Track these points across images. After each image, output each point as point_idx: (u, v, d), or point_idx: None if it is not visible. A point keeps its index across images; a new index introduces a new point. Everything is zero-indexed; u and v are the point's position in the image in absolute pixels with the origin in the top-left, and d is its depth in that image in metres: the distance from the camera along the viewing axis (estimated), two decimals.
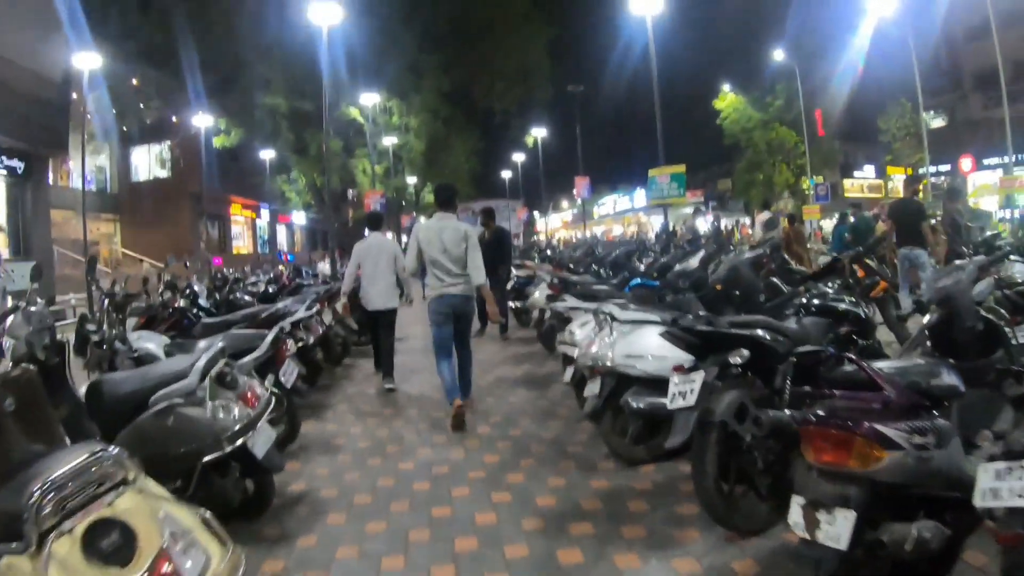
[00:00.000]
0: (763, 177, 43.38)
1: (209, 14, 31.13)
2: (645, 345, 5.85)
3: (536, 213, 74.15)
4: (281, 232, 58.56)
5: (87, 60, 24.15)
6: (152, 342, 6.83)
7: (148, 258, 37.26)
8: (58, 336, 4.70)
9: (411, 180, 42.65)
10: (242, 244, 50.84)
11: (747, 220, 46.46)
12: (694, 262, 8.38)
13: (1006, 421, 3.50)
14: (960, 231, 11.95)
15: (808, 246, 18.58)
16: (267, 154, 40.53)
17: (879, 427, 3.13)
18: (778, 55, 39.43)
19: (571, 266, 14.95)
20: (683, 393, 4.63)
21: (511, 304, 13.28)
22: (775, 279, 7.22)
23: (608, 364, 5.84)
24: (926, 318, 6.05)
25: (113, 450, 2.97)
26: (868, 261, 9.27)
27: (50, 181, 24.61)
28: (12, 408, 3.15)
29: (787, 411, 4.25)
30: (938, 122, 40.16)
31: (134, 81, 36.38)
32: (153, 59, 32.57)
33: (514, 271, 13.74)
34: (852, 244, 13.51)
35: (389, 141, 38.02)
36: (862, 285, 7.17)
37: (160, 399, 4.47)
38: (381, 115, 36.22)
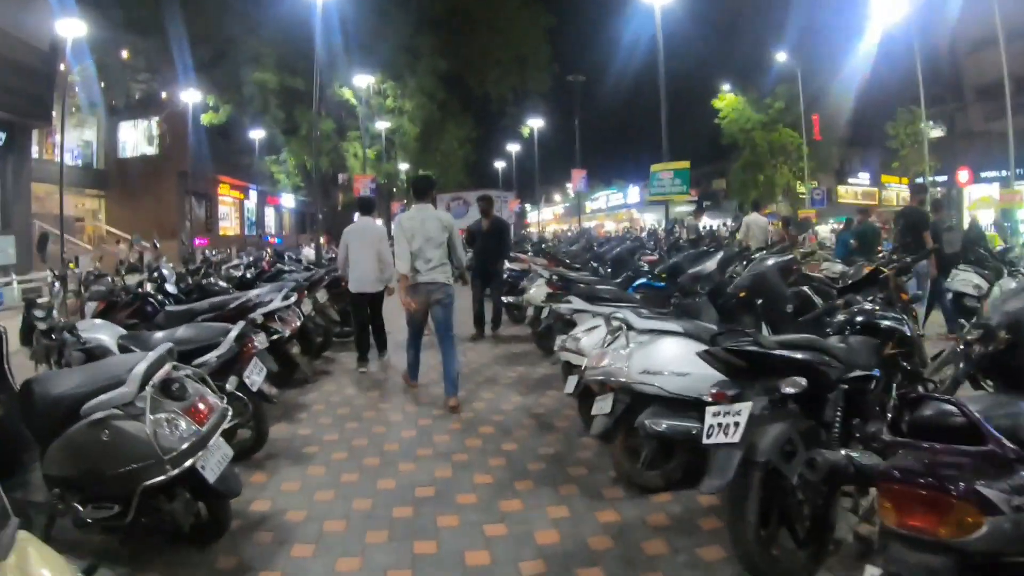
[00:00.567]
0: (763, 178, 42.78)
1: None
2: (665, 359, 5.13)
3: (527, 205, 73.43)
4: (269, 214, 57.46)
5: (72, 28, 23.04)
6: (105, 332, 6.04)
7: (131, 235, 36.23)
8: None
9: (403, 166, 41.87)
10: (229, 225, 49.61)
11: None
12: (711, 265, 7.65)
13: None
14: (943, 241, 11.50)
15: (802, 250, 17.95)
16: (257, 134, 39.66)
17: (982, 489, 2.49)
18: (780, 57, 38.92)
19: (567, 261, 14.22)
20: (725, 426, 3.87)
21: (503, 299, 12.49)
22: (806, 289, 6.45)
23: (623, 380, 5.10)
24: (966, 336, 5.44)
25: None
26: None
27: (35, 154, 23.49)
28: None
29: (843, 451, 3.74)
30: (937, 132, 39.60)
31: (123, 54, 35.68)
32: (141, 30, 31.61)
33: (507, 264, 13.00)
34: (858, 251, 13.11)
35: (382, 125, 37.18)
36: (905, 299, 6.43)
37: (94, 408, 3.72)
38: (375, 97, 35.39)
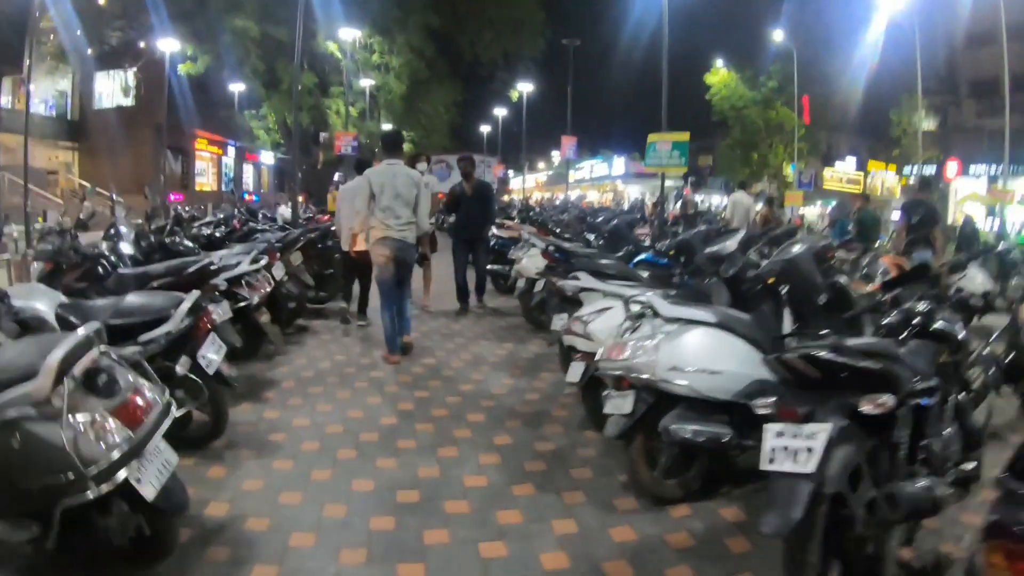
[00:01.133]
0: (757, 156, 42.05)
1: None
2: (697, 354, 4.38)
3: (510, 172, 72.41)
4: (248, 171, 55.89)
5: None
6: (42, 300, 5.18)
7: (106, 191, 34.99)
8: None
9: (387, 126, 40.73)
10: (206, 181, 48.20)
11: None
12: (731, 245, 6.88)
13: None
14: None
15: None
16: (237, 87, 38.54)
17: None
18: (777, 36, 38.12)
19: (557, 231, 13.46)
20: (794, 452, 3.10)
21: (489, 267, 11.73)
22: (842, 280, 5.66)
23: (647, 376, 4.35)
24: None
25: None
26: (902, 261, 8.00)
27: (7, 104, 22.44)
28: None
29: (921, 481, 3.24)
30: (928, 125, 39.06)
31: (100, 1, 34.32)
32: None
33: (494, 230, 12.24)
34: (858, 238, 12.51)
35: (367, 82, 36.06)
36: (958, 297, 5.68)
37: (2, 407, 2.94)
38: (360, 52, 34.21)
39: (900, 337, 4.23)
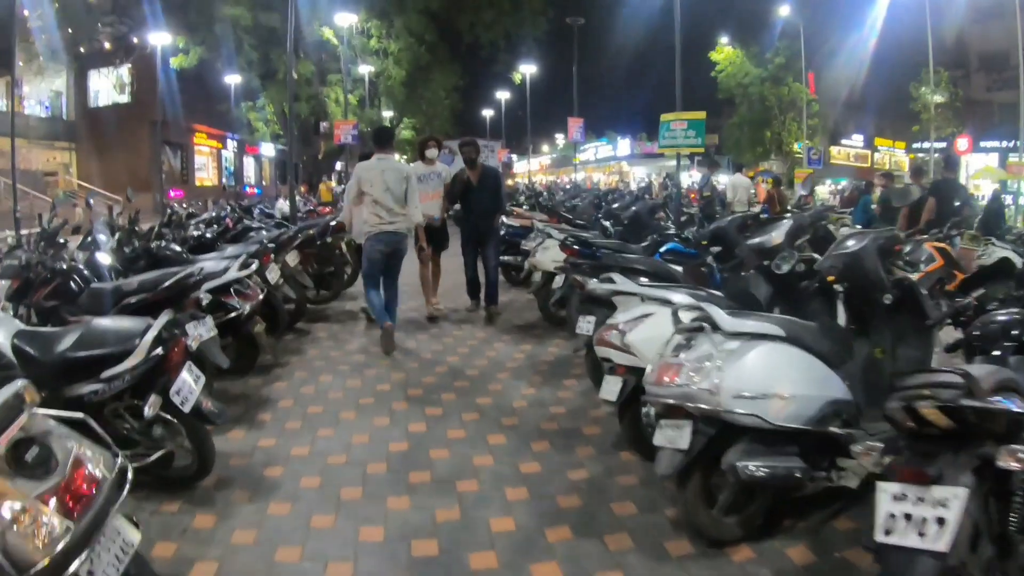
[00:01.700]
0: (771, 135, 41.09)
1: None
2: (767, 377, 3.67)
3: (514, 156, 71.55)
4: (249, 164, 55.85)
5: None
6: None
7: (105, 191, 34.56)
8: None
9: (387, 114, 39.96)
10: (206, 176, 48.22)
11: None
12: (777, 236, 6.14)
13: None
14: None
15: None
16: (233, 79, 37.55)
17: None
18: (783, 12, 37.20)
19: (570, 217, 12.71)
20: (920, 522, 2.40)
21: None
22: (909, 274, 4.86)
23: (710, 407, 3.64)
24: None
25: None
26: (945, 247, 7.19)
27: (9, 105, 22.03)
28: None
29: None
30: (938, 98, 38.25)
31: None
32: None
33: (504, 219, 11.51)
34: (882, 218, 12.05)
35: (366, 69, 35.23)
36: None
37: None
38: (357, 37, 33.34)
39: (996, 353, 3.53)
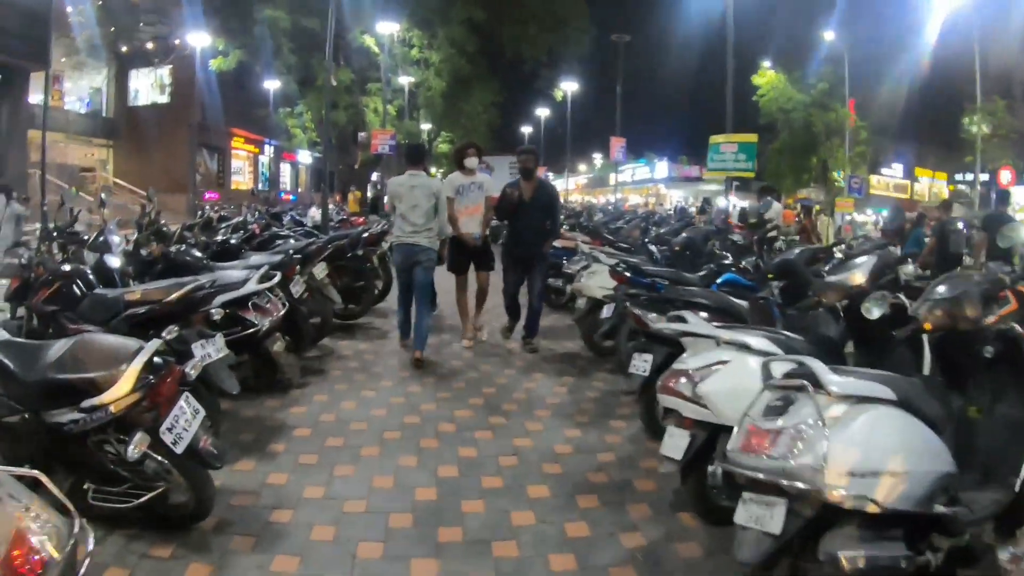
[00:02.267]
0: (816, 161, 40.03)
1: None
2: (881, 450, 2.97)
3: (550, 174, 71.00)
4: (285, 170, 55.89)
5: None
6: None
7: (141, 189, 34.39)
8: None
9: (425, 127, 39.49)
10: (242, 180, 47.98)
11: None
12: (859, 275, 5.43)
13: None
14: (949, 241, 11.54)
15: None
16: (272, 84, 37.28)
17: None
18: (828, 36, 36.37)
19: (611, 239, 12.03)
20: None
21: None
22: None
23: (812, 486, 2.94)
24: None
25: None
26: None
27: (42, 101, 22.00)
28: None
29: None
30: (985, 129, 37.34)
31: None
32: None
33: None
34: (938, 254, 11.28)
35: (406, 79, 34.72)
36: None
37: None
38: (399, 46, 32.87)
39: None
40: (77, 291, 5.60)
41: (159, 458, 3.55)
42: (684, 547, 4.06)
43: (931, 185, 46.75)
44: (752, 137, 15.96)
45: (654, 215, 24.50)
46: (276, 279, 6.45)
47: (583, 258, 9.05)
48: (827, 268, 6.85)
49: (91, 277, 5.80)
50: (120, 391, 3.37)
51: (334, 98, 23.24)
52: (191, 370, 3.82)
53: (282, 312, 6.31)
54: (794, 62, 39.65)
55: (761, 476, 3.07)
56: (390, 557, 3.86)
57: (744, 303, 6.11)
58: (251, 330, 5.88)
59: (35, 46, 21.70)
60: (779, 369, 3.50)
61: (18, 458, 3.48)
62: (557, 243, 10.55)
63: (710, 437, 4.12)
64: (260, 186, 48.40)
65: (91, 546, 2.20)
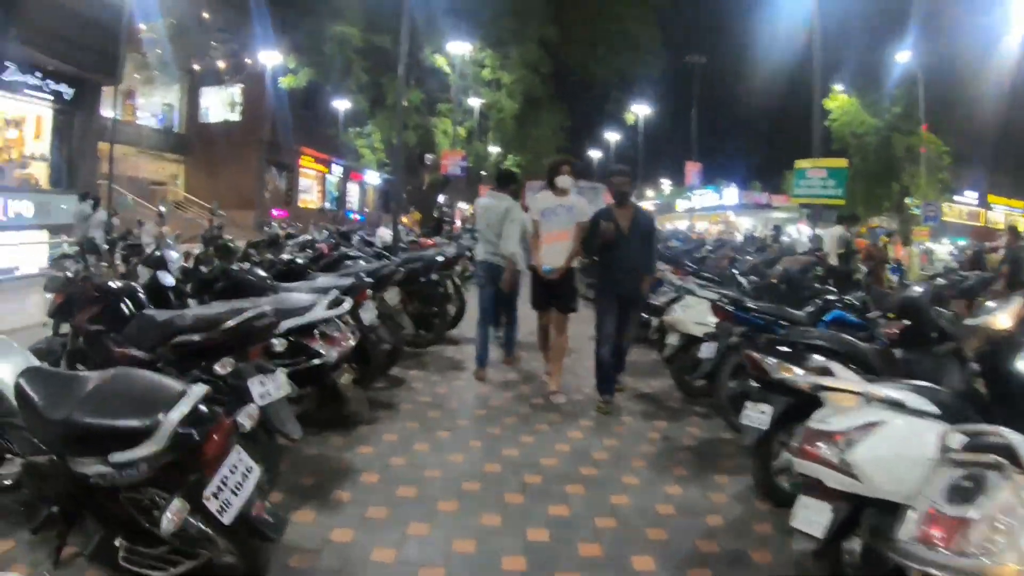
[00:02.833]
0: (898, 187, 38.56)
1: None
2: None
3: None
4: (353, 190, 56.25)
5: None
6: (4, 360, 3.40)
7: (209, 205, 34.81)
8: None
9: (494, 149, 39.02)
10: (311, 198, 48.60)
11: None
12: (1003, 318, 4.64)
13: None
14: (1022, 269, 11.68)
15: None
16: (341, 104, 37.57)
17: None
18: (901, 57, 35.11)
19: (692, 266, 11.29)
20: None
21: None
22: None
23: None
24: None
25: None
26: None
27: (115, 114, 22.33)
28: None
29: None
30: None
31: (204, 15, 34.60)
32: None
33: None
34: (1010, 282, 10.96)
35: (476, 101, 34.23)
36: None
37: None
38: (470, 66, 32.44)
39: None
40: (125, 311, 5.05)
41: (201, 527, 2.94)
42: None
43: (1008, 214, 44.94)
44: (842, 162, 15.15)
45: (723, 244, 23.61)
46: (347, 305, 5.88)
47: (672, 289, 8.31)
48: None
49: (141, 295, 5.24)
50: (154, 447, 2.78)
51: (404, 118, 22.75)
52: (245, 419, 3.19)
53: (352, 342, 5.73)
54: (867, 85, 38.39)
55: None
56: None
57: (865, 345, 5.37)
58: (317, 361, 5.31)
59: (106, 61, 21.82)
60: (955, 441, 2.78)
61: (45, 499, 3.15)
62: None
63: (854, 510, 3.42)
64: (328, 205, 48.76)
65: None
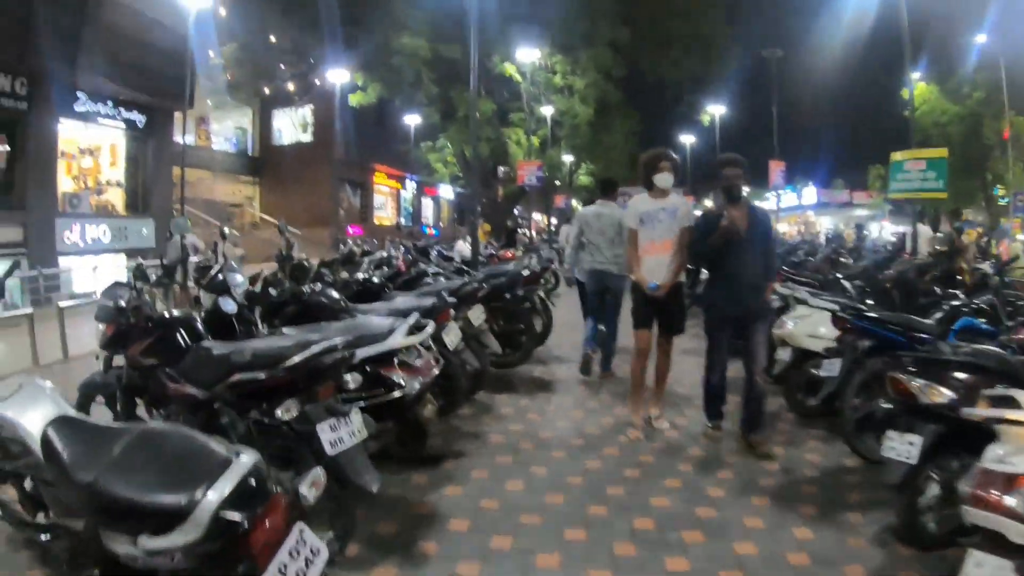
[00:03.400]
0: (992, 177, 36.69)
1: None
2: None
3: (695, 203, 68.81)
4: (427, 205, 56.72)
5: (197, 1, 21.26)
6: (33, 410, 2.99)
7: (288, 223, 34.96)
8: None
9: (567, 158, 38.41)
10: (385, 215, 48.91)
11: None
12: None
13: None
14: None
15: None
16: (412, 119, 37.59)
17: None
18: (980, 39, 33.36)
19: (789, 271, 10.45)
20: None
21: None
22: None
23: None
24: None
25: None
26: None
27: (183, 139, 23.07)
28: None
29: None
30: None
31: (271, 39, 35.01)
32: (284, 9, 29.87)
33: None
34: None
35: (548, 110, 33.63)
36: None
37: None
38: (540, 72, 31.84)
39: None
40: (181, 342, 4.54)
41: None
42: None
43: None
44: (942, 152, 14.12)
45: (804, 244, 22.53)
46: (429, 330, 5.32)
47: (778, 298, 7.52)
48: None
49: (198, 325, 4.71)
50: (190, 535, 2.22)
51: (476, 130, 22.27)
52: (309, 490, 2.58)
53: (436, 371, 5.17)
54: (945, 72, 36.59)
55: None
56: None
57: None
58: (398, 394, 4.76)
59: (176, 88, 21.97)
60: None
61: (81, 566, 2.77)
62: None
63: None
64: (403, 220, 48.97)
65: None
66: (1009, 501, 2.87)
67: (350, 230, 36.13)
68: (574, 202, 45.67)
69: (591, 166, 38.48)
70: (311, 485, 2.57)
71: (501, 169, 41.72)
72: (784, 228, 57.04)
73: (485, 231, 31.12)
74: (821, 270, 11.25)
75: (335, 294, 6.77)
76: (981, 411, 3.44)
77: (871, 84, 41.85)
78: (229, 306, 5.36)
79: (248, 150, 42.51)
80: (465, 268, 11.08)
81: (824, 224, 54.94)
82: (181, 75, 21.14)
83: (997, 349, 4.81)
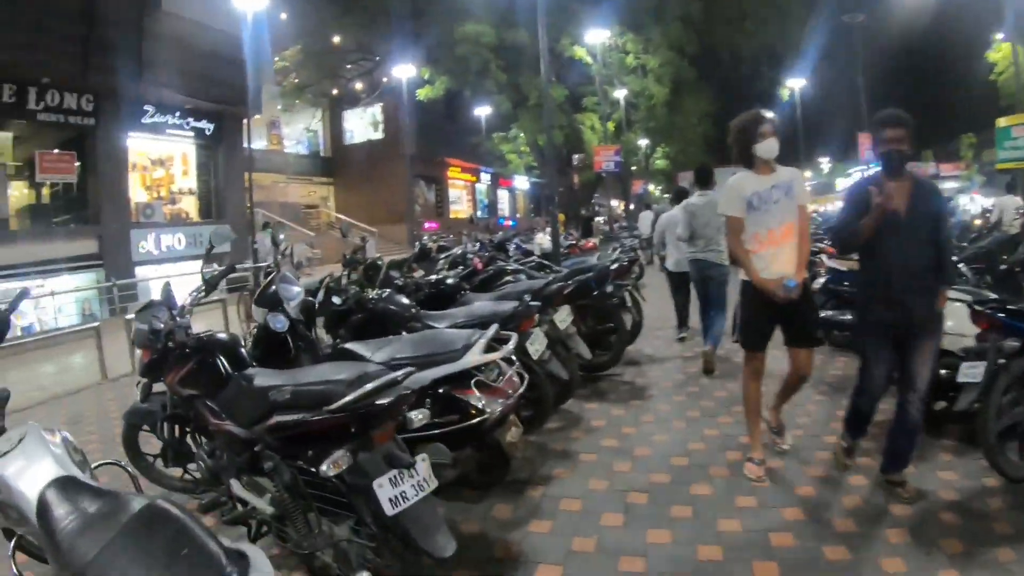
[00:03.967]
0: None
1: None
2: None
3: None
4: (503, 197, 56.76)
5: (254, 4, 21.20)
6: (33, 470, 2.51)
7: (362, 223, 35.20)
8: None
9: (642, 142, 37.48)
10: (461, 208, 49.03)
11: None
12: None
13: None
14: None
15: None
16: (483, 111, 37.59)
17: None
18: None
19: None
20: None
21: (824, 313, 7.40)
22: None
23: None
24: None
25: None
26: None
27: (261, 144, 23.52)
28: None
29: None
30: None
31: (335, 40, 35.41)
32: (345, 9, 29.72)
33: (826, 260, 8.58)
34: None
35: (621, 92, 32.73)
36: None
37: None
38: (612, 53, 30.92)
39: None
40: (221, 370, 3.87)
41: None
42: None
43: None
44: None
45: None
46: (510, 346, 4.57)
47: None
48: None
49: (242, 351, 4.00)
50: None
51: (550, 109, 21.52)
52: None
53: (520, 390, 4.49)
54: None
55: None
56: None
57: None
58: (475, 421, 4.11)
59: (241, 95, 22.22)
60: None
61: None
62: (841, 265, 8.08)
63: None
64: (478, 213, 48.77)
65: None
66: None
67: (426, 225, 36.00)
68: (651, 187, 44.61)
69: (667, 149, 37.55)
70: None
71: (576, 157, 41.00)
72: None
73: (560, 220, 30.58)
74: None
75: (404, 300, 6.13)
76: None
77: (954, 47, 39.68)
78: (279, 323, 4.75)
79: (320, 151, 43.21)
80: (546, 263, 10.34)
81: None
82: (243, 81, 21.46)
83: None
